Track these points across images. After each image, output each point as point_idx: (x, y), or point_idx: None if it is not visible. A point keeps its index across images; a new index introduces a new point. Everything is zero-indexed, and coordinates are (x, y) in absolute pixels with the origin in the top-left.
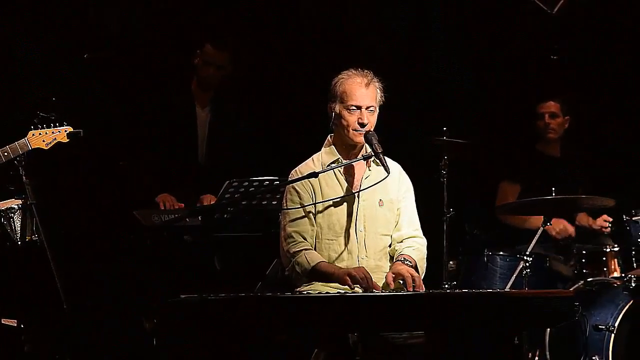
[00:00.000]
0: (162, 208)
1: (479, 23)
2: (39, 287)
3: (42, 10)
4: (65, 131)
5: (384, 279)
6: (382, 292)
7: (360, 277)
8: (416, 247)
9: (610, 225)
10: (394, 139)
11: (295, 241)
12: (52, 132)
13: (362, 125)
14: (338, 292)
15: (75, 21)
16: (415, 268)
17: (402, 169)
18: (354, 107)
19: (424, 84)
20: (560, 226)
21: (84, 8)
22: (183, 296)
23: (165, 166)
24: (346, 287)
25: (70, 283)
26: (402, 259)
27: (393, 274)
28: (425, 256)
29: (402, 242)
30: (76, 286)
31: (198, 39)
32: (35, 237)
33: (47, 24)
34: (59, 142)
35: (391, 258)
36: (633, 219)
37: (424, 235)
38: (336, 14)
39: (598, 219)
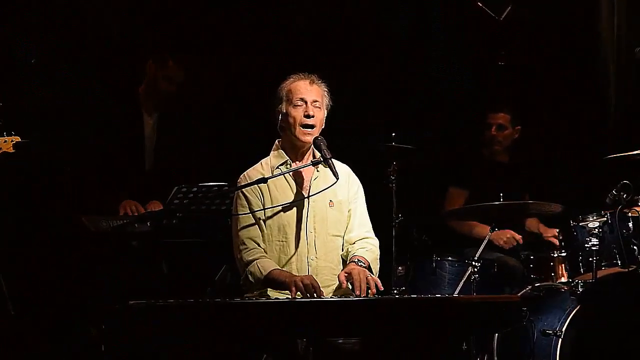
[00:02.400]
0: (126, 213)
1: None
2: None
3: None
4: (12, 141)
5: (335, 280)
6: (330, 297)
7: (305, 286)
8: (369, 248)
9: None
10: (343, 143)
11: (247, 248)
12: None
13: (308, 116)
14: (287, 298)
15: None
16: (369, 269)
17: (351, 170)
18: (299, 102)
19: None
20: (507, 235)
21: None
22: (131, 302)
23: (112, 173)
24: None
25: (17, 289)
26: (356, 260)
27: (345, 273)
28: (378, 256)
29: (354, 243)
30: (23, 292)
31: (153, 49)
32: None
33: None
34: (5, 152)
35: (344, 261)
36: (580, 224)
37: None
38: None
39: (549, 232)
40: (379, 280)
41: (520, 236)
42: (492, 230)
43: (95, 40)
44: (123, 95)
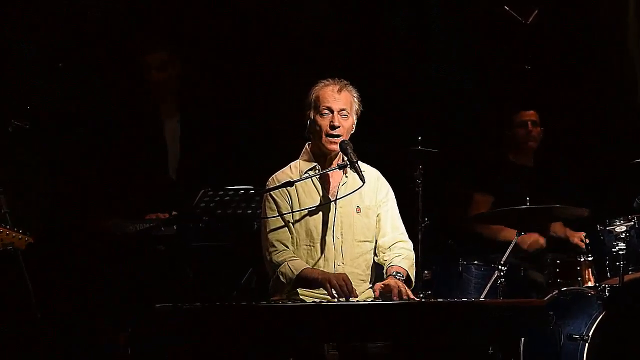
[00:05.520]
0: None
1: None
2: (12, 295)
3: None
4: (26, 240)
5: (362, 286)
6: (358, 301)
7: (340, 284)
8: (405, 255)
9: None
10: (371, 147)
11: (277, 250)
12: (13, 236)
13: (334, 127)
14: (313, 302)
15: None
16: (407, 279)
17: (380, 174)
18: (326, 111)
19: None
20: (531, 239)
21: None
22: (157, 305)
23: (134, 178)
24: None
25: (43, 291)
26: (394, 273)
27: (382, 284)
28: (414, 261)
29: (389, 248)
30: (49, 295)
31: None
32: (9, 247)
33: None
34: (15, 248)
35: (378, 267)
36: (607, 228)
37: None
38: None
39: (576, 236)
40: (411, 294)
41: (544, 239)
42: (519, 235)
43: (107, 46)
44: (134, 99)
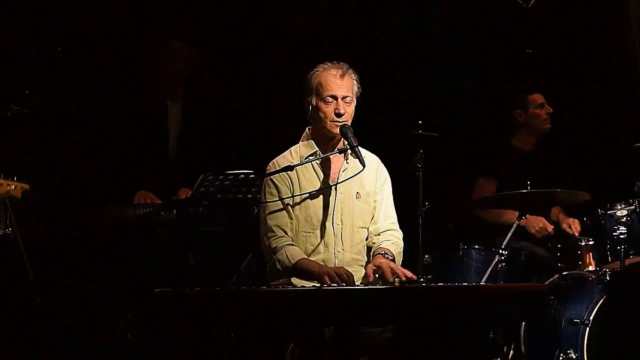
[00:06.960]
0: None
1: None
2: (12, 281)
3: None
4: (22, 189)
5: (361, 271)
6: (357, 286)
7: (339, 276)
8: (394, 241)
9: (578, 227)
10: (372, 132)
11: (276, 235)
12: (8, 185)
13: (339, 115)
14: (313, 286)
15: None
16: (393, 262)
17: (380, 161)
18: (330, 98)
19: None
20: (540, 224)
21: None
22: (157, 290)
23: (136, 162)
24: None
25: (43, 277)
26: (382, 253)
27: (374, 266)
28: (402, 249)
29: (379, 235)
30: (49, 280)
31: (164, 35)
32: (8, 230)
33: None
34: (11, 196)
35: (368, 250)
36: (608, 212)
37: (400, 228)
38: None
39: (565, 222)
40: (408, 272)
41: (552, 226)
42: (519, 218)
43: (112, 34)
44: (143, 84)
